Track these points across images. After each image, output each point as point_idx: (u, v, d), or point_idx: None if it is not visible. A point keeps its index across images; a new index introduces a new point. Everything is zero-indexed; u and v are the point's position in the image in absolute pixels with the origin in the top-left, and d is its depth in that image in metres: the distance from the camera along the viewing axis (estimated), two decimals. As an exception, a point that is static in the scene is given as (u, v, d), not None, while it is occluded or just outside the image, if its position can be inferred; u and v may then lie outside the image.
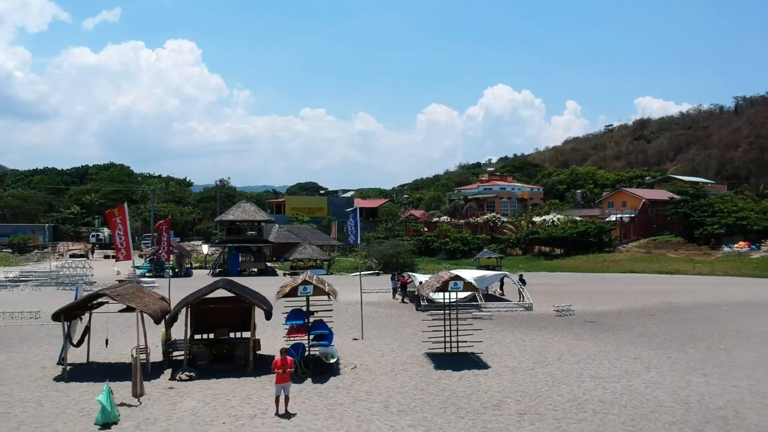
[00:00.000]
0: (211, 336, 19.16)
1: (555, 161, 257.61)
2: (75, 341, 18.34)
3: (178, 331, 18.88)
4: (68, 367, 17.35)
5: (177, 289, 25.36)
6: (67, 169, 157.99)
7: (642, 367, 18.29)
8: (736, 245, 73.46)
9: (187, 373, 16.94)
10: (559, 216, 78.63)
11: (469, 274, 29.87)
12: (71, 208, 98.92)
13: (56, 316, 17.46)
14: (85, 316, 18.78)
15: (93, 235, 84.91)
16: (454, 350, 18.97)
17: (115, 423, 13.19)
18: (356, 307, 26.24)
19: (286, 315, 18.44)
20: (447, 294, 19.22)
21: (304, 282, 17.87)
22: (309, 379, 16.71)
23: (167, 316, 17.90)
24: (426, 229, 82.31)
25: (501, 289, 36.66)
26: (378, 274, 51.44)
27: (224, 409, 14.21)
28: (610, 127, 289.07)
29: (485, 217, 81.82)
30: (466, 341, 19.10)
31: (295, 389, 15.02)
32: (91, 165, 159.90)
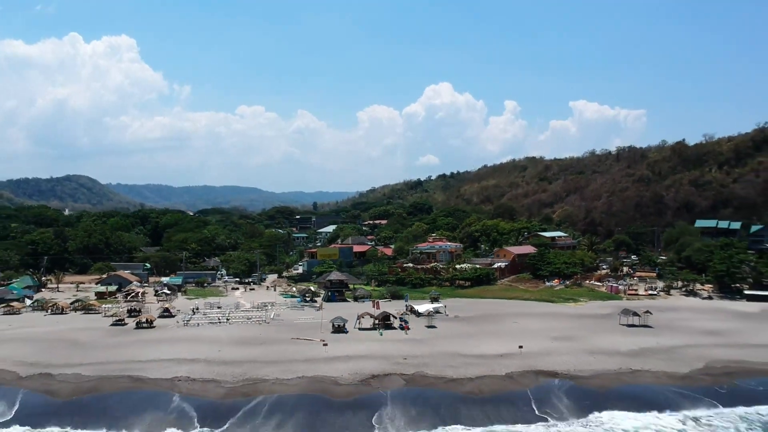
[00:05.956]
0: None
1: (481, 195, 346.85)
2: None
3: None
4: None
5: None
6: (130, 213, 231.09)
7: (468, 336, 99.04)
8: (554, 281, 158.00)
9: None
10: (468, 264, 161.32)
11: (431, 305, 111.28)
12: (183, 253, 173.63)
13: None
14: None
15: (219, 275, 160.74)
16: (431, 327, 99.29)
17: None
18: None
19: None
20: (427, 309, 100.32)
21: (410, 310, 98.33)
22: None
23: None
24: (401, 270, 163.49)
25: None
26: (389, 300, 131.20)
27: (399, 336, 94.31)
28: (524, 165, 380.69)
29: (431, 265, 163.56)
30: (433, 326, 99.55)
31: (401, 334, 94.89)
32: (147, 207, 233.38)
